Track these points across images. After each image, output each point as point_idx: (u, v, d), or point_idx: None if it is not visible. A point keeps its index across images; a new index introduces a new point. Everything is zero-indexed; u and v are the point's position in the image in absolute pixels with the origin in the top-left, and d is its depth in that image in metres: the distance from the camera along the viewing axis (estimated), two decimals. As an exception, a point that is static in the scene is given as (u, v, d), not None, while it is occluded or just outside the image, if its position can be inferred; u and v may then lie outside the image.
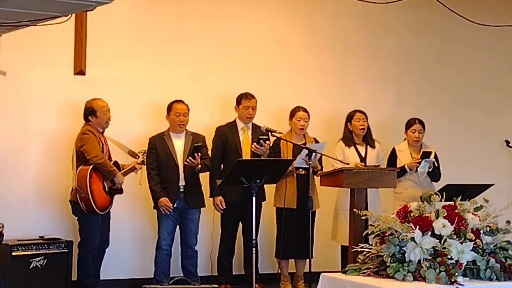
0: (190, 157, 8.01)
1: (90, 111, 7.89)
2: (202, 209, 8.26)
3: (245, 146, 8.37)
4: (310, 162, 7.71)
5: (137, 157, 8.09)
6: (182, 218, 8.16)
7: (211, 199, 8.28)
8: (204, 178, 8.32)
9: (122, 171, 7.93)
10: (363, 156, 8.60)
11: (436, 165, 8.77)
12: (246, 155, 8.26)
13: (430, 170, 8.68)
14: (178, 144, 8.16)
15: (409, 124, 8.91)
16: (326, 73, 9.54)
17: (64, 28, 6.93)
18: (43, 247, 7.68)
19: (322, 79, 9.52)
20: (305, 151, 7.80)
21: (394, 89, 9.88)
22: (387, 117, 9.68)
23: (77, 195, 7.64)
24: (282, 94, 9.25)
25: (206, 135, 8.40)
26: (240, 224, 8.43)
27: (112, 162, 7.85)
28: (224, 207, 8.22)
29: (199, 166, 8.06)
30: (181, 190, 8.09)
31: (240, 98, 8.45)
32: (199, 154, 8.02)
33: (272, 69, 9.31)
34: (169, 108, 8.20)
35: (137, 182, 8.16)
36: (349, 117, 8.73)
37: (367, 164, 8.46)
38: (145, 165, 8.12)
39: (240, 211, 8.26)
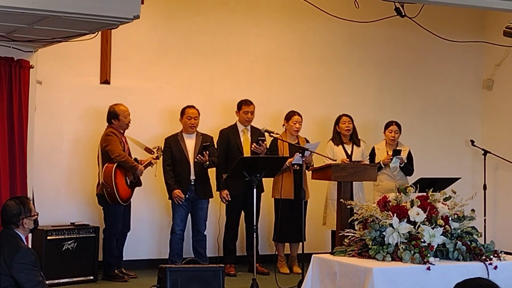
0: (199, 155, 8.00)
1: (113, 115, 7.84)
2: (210, 199, 8.25)
3: (245, 146, 8.33)
4: (304, 159, 7.68)
5: (152, 153, 8.05)
6: (193, 207, 8.14)
7: (218, 192, 8.26)
8: (212, 173, 8.30)
9: (141, 165, 7.88)
10: (349, 153, 8.58)
11: (406, 161, 8.71)
12: (246, 153, 8.22)
13: (401, 165, 8.65)
14: (190, 143, 8.14)
15: (387, 125, 8.89)
16: (317, 82, 9.50)
17: (91, 43, 7.02)
18: (74, 232, 7.66)
19: (313, 87, 9.47)
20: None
21: (375, 95, 9.84)
22: (369, 120, 9.63)
23: (103, 189, 7.62)
24: (278, 100, 9.20)
25: (213, 136, 8.36)
26: (242, 212, 8.39)
27: (132, 159, 7.83)
28: (229, 199, 8.21)
29: (208, 163, 8.05)
30: (192, 183, 8.07)
31: (240, 104, 8.41)
32: (208, 152, 8.01)
33: (270, 78, 9.27)
34: (182, 112, 8.18)
35: (153, 177, 8.14)
36: (337, 120, 8.72)
37: (352, 160, 8.43)
38: (160, 159, 8.08)
39: (242, 201, 8.22)
